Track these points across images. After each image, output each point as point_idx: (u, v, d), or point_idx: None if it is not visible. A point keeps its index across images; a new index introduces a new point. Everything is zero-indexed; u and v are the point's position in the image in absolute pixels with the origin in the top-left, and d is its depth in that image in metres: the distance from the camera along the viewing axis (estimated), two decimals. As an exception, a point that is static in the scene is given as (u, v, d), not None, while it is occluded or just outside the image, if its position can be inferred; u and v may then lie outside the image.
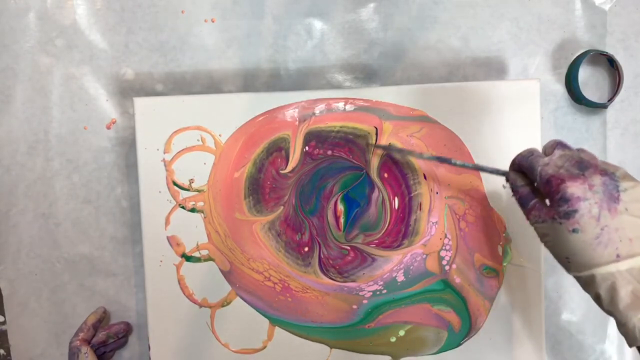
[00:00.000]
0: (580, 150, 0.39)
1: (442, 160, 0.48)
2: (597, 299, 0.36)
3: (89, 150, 0.55)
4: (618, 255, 0.35)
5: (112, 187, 0.55)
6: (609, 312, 0.36)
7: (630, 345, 0.36)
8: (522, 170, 0.40)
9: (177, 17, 0.54)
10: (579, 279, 0.37)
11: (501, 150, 0.51)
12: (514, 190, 0.41)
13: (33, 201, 0.55)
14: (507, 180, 0.42)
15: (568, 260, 0.37)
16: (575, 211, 0.35)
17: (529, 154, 0.40)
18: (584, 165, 0.37)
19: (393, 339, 0.52)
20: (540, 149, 0.41)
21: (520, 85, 0.51)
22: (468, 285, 0.52)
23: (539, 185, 0.38)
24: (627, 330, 0.35)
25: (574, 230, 0.35)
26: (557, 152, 0.39)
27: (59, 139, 0.55)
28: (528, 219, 0.39)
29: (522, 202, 0.40)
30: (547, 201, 0.38)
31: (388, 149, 0.51)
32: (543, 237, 0.38)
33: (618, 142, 0.55)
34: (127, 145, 0.55)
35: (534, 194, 0.39)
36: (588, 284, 0.36)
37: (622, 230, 0.35)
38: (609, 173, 0.36)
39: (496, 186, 0.51)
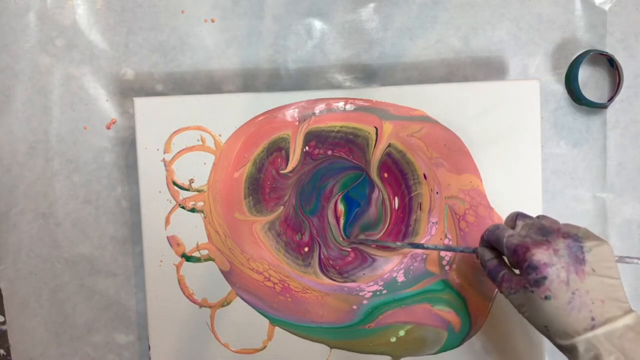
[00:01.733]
0: (541, 217, 0.40)
1: (414, 246, 0.50)
2: None
3: (89, 150, 0.55)
4: (593, 319, 0.35)
5: (112, 187, 0.55)
6: None
7: None
8: (491, 244, 0.41)
9: (177, 17, 0.54)
10: (561, 349, 0.37)
11: (501, 150, 0.51)
12: (483, 264, 0.41)
13: (33, 201, 0.55)
14: (477, 256, 0.43)
15: (547, 329, 0.37)
16: (545, 278, 0.36)
17: (495, 228, 0.41)
18: (546, 230, 0.38)
19: (393, 339, 0.52)
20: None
21: (520, 85, 0.51)
22: (468, 285, 0.52)
23: (507, 257, 0.38)
24: None
25: (546, 297, 0.36)
26: (520, 223, 0.40)
27: (59, 139, 0.55)
28: (501, 291, 0.39)
29: (492, 275, 0.40)
30: (517, 271, 0.38)
31: (363, 242, 0.51)
32: (520, 308, 0.38)
33: (618, 142, 0.55)
34: (127, 145, 0.55)
35: (502, 266, 0.40)
36: (571, 353, 0.36)
37: (592, 292, 0.35)
38: (571, 235, 0.37)
39: (496, 186, 0.51)
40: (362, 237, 0.51)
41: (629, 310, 0.36)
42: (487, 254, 0.41)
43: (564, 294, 0.35)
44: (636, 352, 0.34)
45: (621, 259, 0.39)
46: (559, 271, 0.35)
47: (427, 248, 0.48)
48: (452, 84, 0.52)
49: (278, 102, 0.51)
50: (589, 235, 0.37)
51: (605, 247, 0.37)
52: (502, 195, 0.51)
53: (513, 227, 0.40)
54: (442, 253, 0.51)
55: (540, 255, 0.36)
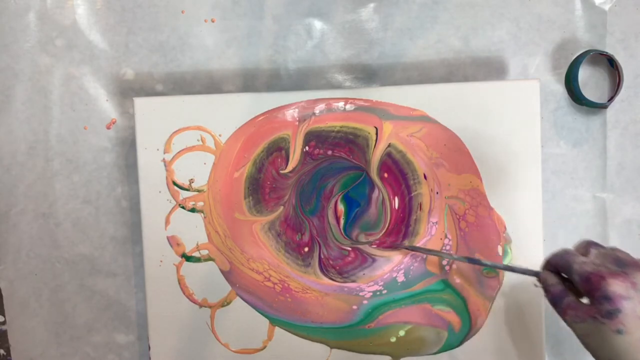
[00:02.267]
0: (614, 249, 0.38)
1: (472, 261, 0.48)
2: None
3: (89, 150, 0.55)
4: None
5: (112, 187, 0.55)
6: None
7: None
8: (557, 268, 0.39)
9: (177, 17, 0.54)
10: None
11: (501, 150, 0.51)
12: (546, 289, 0.39)
13: (33, 201, 0.55)
14: (539, 279, 0.41)
15: None
16: (619, 310, 0.34)
17: (564, 252, 0.39)
18: (622, 262, 0.36)
19: (393, 339, 0.52)
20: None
21: (520, 85, 0.51)
22: (468, 285, 0.52)
23: (578, 283, 0.37)
24: None
25: (618, 331, 0.34)
26: (593, 251, 0.38)
27: (59, 139, 0.55)
28: (564, 318, 0.37)
29: (556, 301, 0.38)
30: (586, 299, 0.37)
31: (412, 249, 0.50)
32: (584, 338, 0.36)
33: (618, 142, 0.55)
34: (127, 145, 0.55)
35: (568, 293, 0.38)
36: None
37: None
38: None
39: (496, 186, 0.51)
40: (406, 243, 0.50)
41: None
42: (552, 279, 0.39)
43: (637, 330, 0.33)
44: None
45: None
46: (635, 306, 0.34)
47: (485, 264, 0.46)
48: (452, 84, 0.52)
49: (278, 102, 0.51)
50: None
51: None
52: (502, 195, 0.51)
53: (584, 255, 0.38)
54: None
55: (616, 286, 0.34)
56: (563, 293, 0.38)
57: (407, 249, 0.51)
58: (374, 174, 0.51)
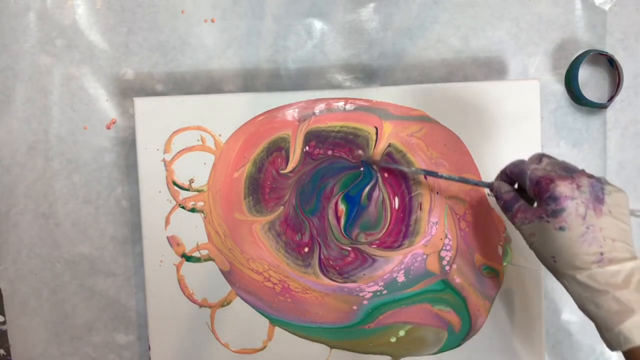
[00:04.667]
0: (564, 161, 0.41)
1: (428, 173, 0.50)
2: (581, 302, 0.37)
3: (89, 150, 0.55)
4: (601, 254, 0.36)
5: (112, 187, 0.55)
6: (592, 317, 0.37)
7: (613, 350, 0.37)
8: (511, 177, 0.42)
9: (177, 17, 0.54)
10: (564, 280, 0.38)
11: (501, 150, 0.51)
12: (499, 197, 0.42)
13: (33, 201, 0.55)
14: (491, 190, 0.43)
15: (554, 260, 0.38)
16: (563, 209, 0.37)
17: (519, 162, 0.42)
18: (570, 169, 0.39)
19: (393, 339, 0.52)
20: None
21: (520, 85, 0.51)
22: (468, 285, 0.52)
23: (529, 187, 0.39)
24: (611, 336, 0.36)
25: (560, 228, 0.37)
26: (545, 160, 0.41)
27: (59, 139, 0.55)
28: (514, 221, 0.40)
29: (507, 207, 0.41)
30: (535, 204, 0.40)
31: (377, 164, 0.51)
32: (530, 237, 0.39)
33: (618, 142, 0.55)
34: (127, 145, 0.55)
35: (518, 199, 0.41)
36: (573, 285, 0.37)
37: (605, 230, 0.37)
38: (594, 176, 0.38)
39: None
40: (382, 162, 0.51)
41: (635, 257, 0.37)
42: (505, 187, 0.42)
43: (578, 227, 0.36)
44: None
45: (632, 212, 0.40)
46: (578, 205, 0.36)
47: (442, 177, 0.48)
48: (452, 84, 0.52)
49: (278, 102, 0.51)
50: (609, 183, 0.38)
51: (623, 195, 0.38)
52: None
53: (537, 164, 0.41)
54: (443, 253, 0.51)
55: (563, 187, 0.37)
56: (514, 199, 0.41)
57: (383, 165, 0.51)
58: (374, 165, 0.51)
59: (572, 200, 0.37)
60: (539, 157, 0.41)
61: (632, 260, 0.36)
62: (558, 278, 0.39)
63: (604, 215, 0.37)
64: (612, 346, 0.36)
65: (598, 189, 0.37)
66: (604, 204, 0.37)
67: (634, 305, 0.35)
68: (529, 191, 0.39)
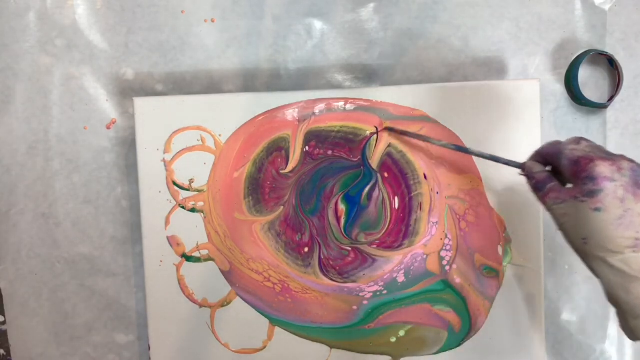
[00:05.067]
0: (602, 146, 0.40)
1: (459, 149, 0.48)
2: (609, 287, 0.36)
3: (89, 150, 0.55)
4: (637, 239, 0.35)
5: (112, 187, 0.55)
6: (621, 303, 0.36)
7: (634, 340, 0.36)
8: (546, 157, 0.40)
9: (177, 17, 0.54)
10: (594, 263, 0.36)
11: (501, 150, 0.51)
12: (530, 176, 0.40)
13: (33, 201, 0.55)
14: (523, 170, 0.42)
15: (585, 242, 0.36)
16: (601, 190, 0.35)
17: (556, 142, 0.40)
18: (610, 153, 0.37)
19: (393, 339, 0.52)
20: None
21: (520, 85, 0.51)
22: (468, 285, 0.52)
23: (566, 166, 0.38)
24: (637, 324, 0.35)
25: (596, 209, 0.35)
26: (584, 143, 0.39)
27: (59, 139, 0.55)
28: (545, 201, 0.39)
29: (540, 186, 0.39)
30: (570, 186, 0.38)
31: (403, 133, 0.50)
32: (561, 218, 0.37)
33: (618, 142, 0.55)
34: (127, 145, 0.55)
35: (552, 179, 0.39)
36: (603, 269, 0.36)
37: None
38: (635, 162, 0.37)
39: (496, 186, 0.51)
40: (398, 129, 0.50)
41: None
42: (537, 167, 0.40)
43: (615, 210, 0.35)
44: None
45: None
46: (617, 188, 0.35)
47: (472, 153, 0.47)
48: (452, 84, 0.52)
49: (278, 102, 0.51)
50: None
51: None
52: (502, 195, 0.51)
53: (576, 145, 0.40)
54: (443, 253, 0.51)
55: (603, 168, 0.35)
56: (548, 179, 0.39)
57: (393, 130, 0.51)
58: (374, 165, 0.51)
59: (611, 182, 0.35)
60: (578, 140, 0.39)
61: None
62: (587, 261, 0.37)
63: None
64: (635, 335, 0.35)
65: (639, 174, 0.36)
66: None
67: None
68: (566, 170, 0.38)
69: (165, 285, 0.52)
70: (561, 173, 0.39)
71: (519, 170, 0.42)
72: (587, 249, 0.36)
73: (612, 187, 0.35)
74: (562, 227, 0.38)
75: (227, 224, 0.52)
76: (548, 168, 0.40)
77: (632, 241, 0.35)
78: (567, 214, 0.37)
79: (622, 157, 0.37)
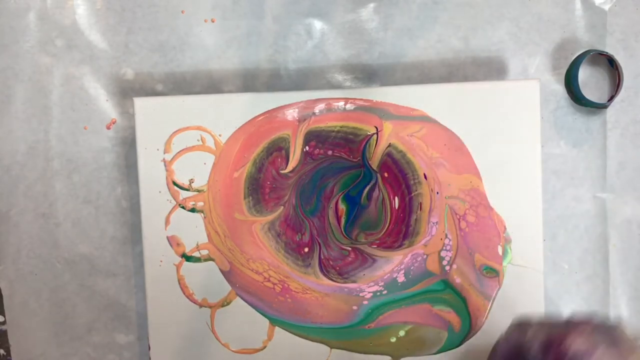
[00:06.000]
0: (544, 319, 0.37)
1: None
2: None
3: (89, 150, 0.55)
4: None
5: (112, 187, 0.55)
6: None
7: None
8: None
9: (177, 17, 0.54)
10: None
11: (501, 150, 0.51)
12: None
13: (33, 201, 0.55)
14: None
15: None
16: None
17: (505, 340, 0.36)
18: (560, 322, 0.35)
19: (393, 339, 0.52)
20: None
21: (520, 85, 0.51)
22: (468, 285, 0.52)
23: (537, 357, 0.33)
24: None
25: None
26: (534, 325, 0.35)
27: (59, 139, 0.55)
28: None
29: None
30: None
31: None
32: None
33: (618, 142, 0.55)
34: (127, 145, 0.55)
35: None
36: None
37: None
38: (593, 318, 0.34)
39: (496, 186, 0.51)
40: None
41: None
42: None
43: None
44: None
45: None
46: (603, 353, 0.32)
47: None
48: (452, 84, 0.52)
49: (278, 102, 0.51)
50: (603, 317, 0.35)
51: (622, 324, 0.34)
52: (502, 195, 0.51)
53: (524, 333, 0.36)
54: (443, 253, 0.51)
55: (579, 341, 0.32)
56: None
57: None
58: (374, 165, 0.51)
59: (595, 351, 0.32)
60: (518, 324, 0.35)
61: None
62: None
63: (629, 355, 0.32)
64: None
65: (605, 328, 0.33)
66: (621, 342, 0.32)
67: None
68: None
69: (165, 285, 0.52)
70: None
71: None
72: None
73: (599, 354, 0.31)
74: None
75: (227, 224, 0.52)
76: None
77: None
78: None
79: (575, 322, 0.34)
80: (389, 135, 0.51)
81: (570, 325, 0.34)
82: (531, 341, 0.34)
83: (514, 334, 0.35)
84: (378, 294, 0.52)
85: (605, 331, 0.33)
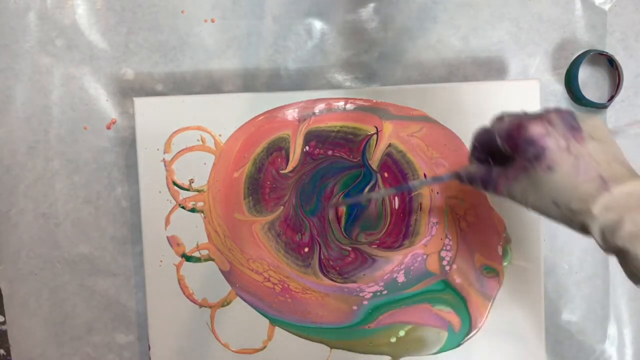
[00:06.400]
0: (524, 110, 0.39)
1: (400, 189, 0.50)
2: (602, 237, 0.33)
3: (89, 150, 0.55)
4: (602, 178, 0.33)
5: (112, 187, 0.55)
6: (612, 248, 0.33)
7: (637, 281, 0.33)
8: (483, 147, 0.39)
9: (177, 17, 0.54)
10: (587, 220, 0.33)
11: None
12: (472, 178, 0.39)
13: (33, 201, 0.55)
14: (460, 180, 0.40)
15: (557, 206, 0.34)
16: (544, 149, 0.34)
17: (483, 130, 0.39)
18: (534, 114, 0.36)
19: (393, 339, 0.52)
20: None
21: (520, 85, 0.51)
22: (468, 285, 0.52)
23: (502, 145, 0.36)
24: (631, 259, 0.32)
25: (549, 169, 0.34)
26: (506, 118, 0.37)
27: (59, 139, 0.55)
28: (499, 191, 0.37)
29: (486, 181, 0.38)
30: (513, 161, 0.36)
31: (341, 203, 0.51)
32: (523, 197, 0.36)
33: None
34: (127, 145, 0.55)
35: (491, 168, 0.38)
36: (590, 225, 0.33)
37: (595, 154, 0.34)
38: (561, 109, 0.36)
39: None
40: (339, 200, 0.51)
41: (637, 175, 0.34)
42: (471, 167, 0.39)
43: (567, 160, 0.33)
44: None
45: (612, 132, 0.38)
46: (557, 139, 0.34)
47: (412, 187, 0.49)
48: (452, 84, 0.52)
49: (278, 102, 0.51)
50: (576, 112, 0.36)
51: (596, 118, 0.36)
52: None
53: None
54: (443, 253, 0.51)
55: (535, 127, 0.34)
56: (488, 171, 0.38)
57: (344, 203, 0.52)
58: (374, 165, 0.51)
59: (549, 136, 0.34)
60: (500, 117, 0.38)
61: (638, 179, 0.33)
62: (575, 227, 0.34)
63: (586, 141, 0.34)
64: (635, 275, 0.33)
65: (570, 118, 0.35)
66: (582, 130, 0.34)
67: None
68: (505, 149, 0.36)
69: (165, 285, 0.52)
70: (504, 155, 0.37)
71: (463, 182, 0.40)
72: (566, 213, 0.34)
73: (552, 141, 0.34)
74: (530, 206, 0.36)
75: (227, 224, 0.52)
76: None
77: (598, 181, 0.33)
78: (525, 189, 0.35)
79: (547, 110, 0.36)
80: (389, 135, 0.51)
81: (536, 113, 0.36)
82: (498, 129, 0.36)
83: (491, 124, 0.38)
84: (378, 294, 0.52)
85: (565, 118, 0.35)
